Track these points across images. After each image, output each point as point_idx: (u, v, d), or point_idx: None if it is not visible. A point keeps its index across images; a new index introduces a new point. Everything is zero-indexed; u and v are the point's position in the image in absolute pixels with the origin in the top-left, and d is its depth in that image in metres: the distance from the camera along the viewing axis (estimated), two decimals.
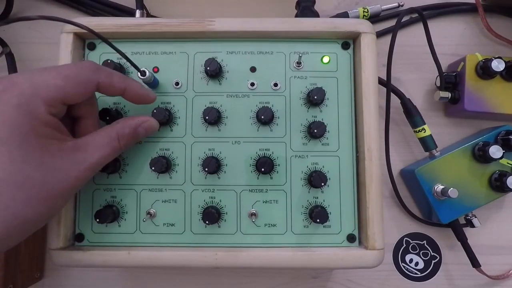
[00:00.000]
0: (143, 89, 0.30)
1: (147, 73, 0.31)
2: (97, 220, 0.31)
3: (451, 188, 0.37)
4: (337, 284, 0.42)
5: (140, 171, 0.33)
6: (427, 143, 0.40)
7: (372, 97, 0.32)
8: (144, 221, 0.32)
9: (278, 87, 0.34)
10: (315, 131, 0.32)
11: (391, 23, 0.45)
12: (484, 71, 0.39)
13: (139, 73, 0.31)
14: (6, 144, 0.23)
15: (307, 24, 0.33)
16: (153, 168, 0.31)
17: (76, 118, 0.29)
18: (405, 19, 0.44)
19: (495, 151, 0.37)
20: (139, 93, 0.30)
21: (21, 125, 0.23)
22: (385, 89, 0.40)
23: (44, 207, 0.24)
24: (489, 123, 0.44)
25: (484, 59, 0.39)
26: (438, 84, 0.41)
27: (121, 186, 0.33)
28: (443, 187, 0.38)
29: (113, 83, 0.28)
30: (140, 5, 0.38)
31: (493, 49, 0.45)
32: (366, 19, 0.44)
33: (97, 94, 0.31)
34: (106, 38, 0.29)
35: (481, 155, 0.38)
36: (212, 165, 0.31)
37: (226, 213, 0.33)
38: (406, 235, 0.43)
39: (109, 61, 0.32)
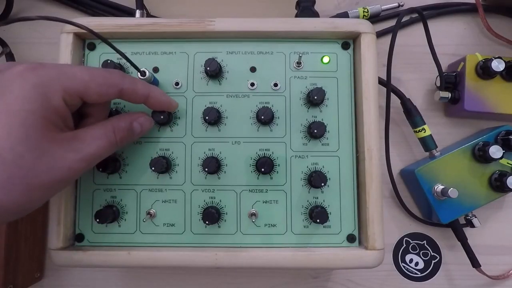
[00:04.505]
0: (166, 97, 0.31)
1: (147, 73, 0.31)
2: (97, 220, 0.31)
3: (451, 188, 0.37)
4: (337, 284, 0.42)
5: (140, 171, 0.33)
6: (427, 143, 0.40)
7: (372, 97, 0.32)
8: (144, 221, 0.32)
9: (278, 87, 0.34)
10: (315, 131, 0.32)
11: (391, 23, 0.45)
12: (484, 71, 0.39)
13: (139, 73, 0.31)
14: (10, 117, 0.22)
15: (307, 24, 0.33)
16: (153, 168, 0.31)
17: (84, 115, 0.29)
18: (405, 19, 0.44)
19: (495, 151, 0.37)
20: (162, 100, 0.30)
21: (32, 102, 0.23)
22: (385, 89, 0.40)
23: (24, 196, 0.23)
24: (489, 123, 0.43)
25: (484, 59, 0.39)
26: (438, 84, 0.41)
27: (121, 186, 0.33)
28: (443, 187, 0.38)
29: (136, 89, 0.28)
30: (140, 5, 0.38)
31: (493, 49, 0.45)
32: (366, 19, 0.44)
33: None
34: (105, 38, 0.29)
35: (481, 155, 0.38)
36: (212, 165, 0.31)
37: (226, 213, 0.33)
38: (406, 235, 0.43)
39: (109, 61, 0.32)
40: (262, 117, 0.32)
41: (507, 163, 0.39)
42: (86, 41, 0.34)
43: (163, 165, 0.31)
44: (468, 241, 0.40)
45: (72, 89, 0.25)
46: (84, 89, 0.26)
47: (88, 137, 0.26)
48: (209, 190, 0.33)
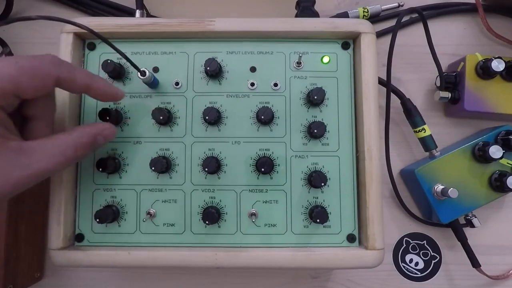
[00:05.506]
0: (110, 87, 0.29)
1: (147, 73, 0.31)
2: (97, 220, 0.31)
3: (451, 188, 0.37)
4: (337, 284, 0.42)
5: (140, 171, 0.33)
6: (427, 143, 0.40)
7: (372, 97, 0.32)
8: (144, 221, 0.32)
9: (278, 87, 0.34)
10: (315, 131, 0.32)
11: (391, 23, 0.45)
12: (484, 71, 0.39)
13: (139, 73, 0.31)
14: None
15: (307, 24, 0.33)
16: (153, 168, 0.31)
17: (27, 117, 0.27)
18: (405, 19, 0.44)
19: (495, 151, 0.37)
20: (105, 91, 0.28)
21: None
22: (385, 89, 0.40)
23: None
24: (489, 123, 0.43)
25: (484, 59, 0.39)
26: (438, 84, 0.41)
27: (121, 186, 0.33)
28: (443, 187, 0.38)
29: (75, 79, 0.26)
30: (140, 5, 0.38)
31: (493, 49, 0.45)
32: (366, 19, 0.44)
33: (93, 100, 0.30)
34: (106, 38, 0.29)
35: (481, 155, 0.38)
36: (212, 165, 0.31)
37: (226, 213, 0.33)
38: (406, 235, 0.43)
39: (109, 61, 0.32)
40: (262, 117, 0.32)
41: (507, 163, 0.39)
42: (86, 41, 0.34)
43: (163, 165, 0.31)
44: (468, 241, 0.40)
45: (2, 89, 0.22)
46: (15, 86, 0.23)
47: (39, 153, 0.24)
48: (209, 190, 0.33)
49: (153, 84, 0.33)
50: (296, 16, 0.39)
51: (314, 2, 0.39)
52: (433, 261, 0.43)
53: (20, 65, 0.23)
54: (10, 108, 0.24)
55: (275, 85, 0.34)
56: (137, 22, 0.34)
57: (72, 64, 0.27)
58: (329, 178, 0.33)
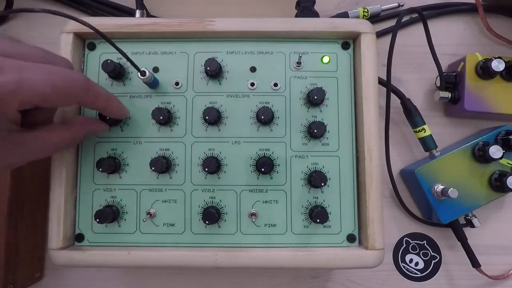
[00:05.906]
0: (120, 110, 0.31)
1: (147, 73, 0.31)
2: (97, 220, 0.31)
3: (451, 188, 0.37)
4: (337, 284, 0.42)
5: (140, 171, 0.33)
6: (427, 143, 0.40)
7: (372, 97, 0.32)
8: (144, 221, 0.32)
9: (278, 87, 0.34)
10: (315, 131, 0.32)
11: (391, 23, 0.45)
12: (484, 71, 0.39)
13: (139, 73, 0.31)
14: None
15: (307, 24, 0.33)
16: (153, 168, 0.31)
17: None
18: (405, 19, 0.44)
19: (495, 151, 0.37)
20: (115, 114, 0.31)
21: None
22: (385, 89, 0.40)
23: None
24: (489, 123, 0.43)
25: (484, 59, 0.39)
26: (438, 84, 0.41)
27: (121, 186, 0.33)
28: (443, 187, 0.38)
29: (95, 103, 0.28)
30: (140, 5, 0.38)
31: (493, 49, 0.45)
32: (366, 19, 0.44)
33: None
34: (108, 38, 0.29)
35: (481, 155, 0.38)
36: (212, 165, 0.31)
37: (226, 213, 0.33)
38: (406, 235, 0.43)
39: (109, 61, 0.32)
40: (262, 117, 0.32)
41: (507, 163, 0.39)
42: (86, 41, 0.34)
43: (163, 165, 0.31)
44: (468, 241, 0.40)
45: (29, 101, 0.23)
46: (42, 101, 0.24)
47: (37, 145, 0.26)
48: (209, 190, 0.33)
49: (153, 84, 0.33)
50: (296, 16, 0.39)
51: (314, 2, 0.39)
52: (433, 261, 0.43)
53: (57, 85, 0.24)
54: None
55: (275, 85, 0.34)
56: (137, 22, 0.34)
57: (98, 86, 0.28)
58: (329, 178, 0.33)
